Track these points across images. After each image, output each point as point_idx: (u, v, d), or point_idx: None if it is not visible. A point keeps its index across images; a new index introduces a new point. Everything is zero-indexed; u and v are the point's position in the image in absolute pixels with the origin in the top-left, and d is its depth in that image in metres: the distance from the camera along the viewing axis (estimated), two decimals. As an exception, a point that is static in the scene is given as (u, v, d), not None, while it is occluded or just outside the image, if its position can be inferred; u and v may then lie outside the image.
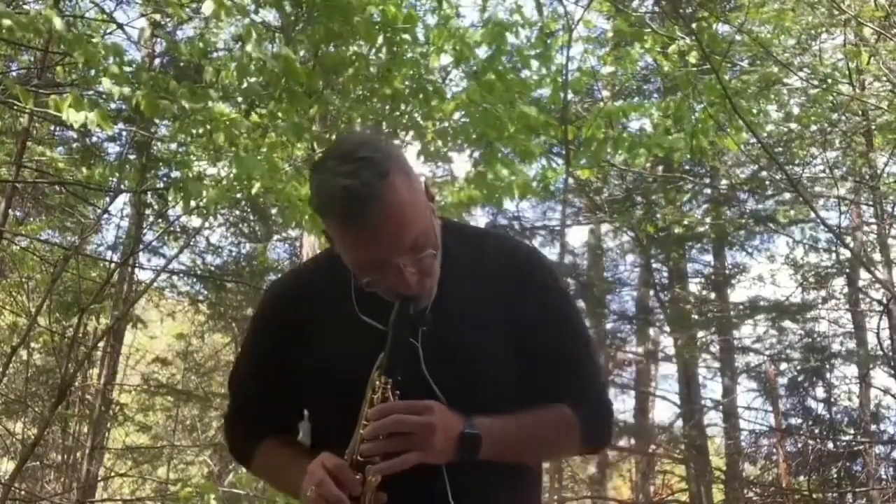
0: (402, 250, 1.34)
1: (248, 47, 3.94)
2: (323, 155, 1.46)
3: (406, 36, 4.80)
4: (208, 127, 4.30)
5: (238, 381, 1.64)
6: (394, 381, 1.33)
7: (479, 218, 10.64)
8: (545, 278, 1.54)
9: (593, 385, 1.55)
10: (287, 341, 1.51)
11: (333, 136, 5.48)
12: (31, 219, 9.42)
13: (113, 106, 6.55)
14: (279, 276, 1.86)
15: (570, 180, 7.59)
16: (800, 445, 10.70)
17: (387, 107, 4.99)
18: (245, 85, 4.44)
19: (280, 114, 4.57)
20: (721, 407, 11.59)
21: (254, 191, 3.81)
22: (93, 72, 4.43)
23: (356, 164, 1.32)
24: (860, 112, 7.40)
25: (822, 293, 11.15)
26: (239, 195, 4.38)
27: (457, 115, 5.53)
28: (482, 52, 5.43)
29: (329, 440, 1.41)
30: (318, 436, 1.50)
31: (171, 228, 8.62)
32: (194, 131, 4.71)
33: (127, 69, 4.25)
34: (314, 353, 1.48)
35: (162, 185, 7.69)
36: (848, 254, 9.29)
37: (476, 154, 5.40)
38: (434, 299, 1.43)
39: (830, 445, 9.73)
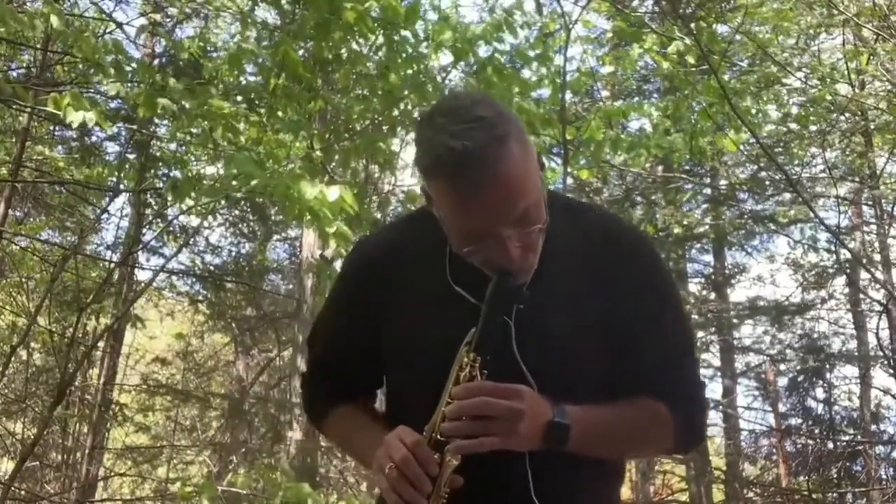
0: (509, 222, 1.22)
1: (239, 37, 3.94)
2: (433, 109, 1.32)
3: (406, 33, 4.79)
4: (206, 125, 4.29)
5: (316, 342, 1.57)
6: (483, 360, 1.24)
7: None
8: (652, 266, 1.43)
9: (691, 381, 1.45)
10: (368, 310, 1.43)
11: (332, 135, 5.49)
12: (31, 218, 9.42)
13: (112, 105, 6.56)
14: (370, 233, 1.72)
15: (570, 180, 7.58)
16: (800, 445, 10.71)
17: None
18: (243, 82, 4.44)
19: (279, 112, 4.56)
20: (721, 407, 11.59)
21: (251, 184, 3.78)
22: (92, 70, 4.43)
23: (471, 123, 1.20)
24: (859, 112, 7.40)
25: (822, 293, 11.17)
26: (239, 194, 4.36)
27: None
28: (482, 51, 5.43)
29: (405, 412, 1.35)
30: (393, 406, 1.44)
31: (171, 228, 8.63)
32: (194, 130, 4.70)
33: (127, 67, 4.25)
34: (397, 322, 1.40)
35: (161, 184, 7.69)
36: (848, 254, 9.29)
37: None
38: (532, 277, 1.32)
39: (830, 445, 9.72)
